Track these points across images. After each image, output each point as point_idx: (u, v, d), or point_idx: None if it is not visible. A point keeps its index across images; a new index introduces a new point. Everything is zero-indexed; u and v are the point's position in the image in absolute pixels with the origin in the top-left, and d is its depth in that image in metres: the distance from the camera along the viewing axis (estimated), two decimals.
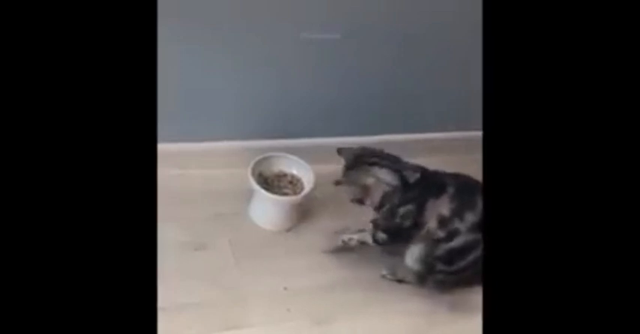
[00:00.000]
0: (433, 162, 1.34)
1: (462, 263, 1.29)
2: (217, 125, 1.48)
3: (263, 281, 1.32)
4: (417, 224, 1.28)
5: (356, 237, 1.39)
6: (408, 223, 1.29)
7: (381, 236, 1.34)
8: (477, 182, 1.30)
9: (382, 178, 1.28)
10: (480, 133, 0.79)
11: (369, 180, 1.28)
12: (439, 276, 1.32)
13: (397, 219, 1.29)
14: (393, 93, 1.53)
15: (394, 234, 1.32)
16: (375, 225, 1.35)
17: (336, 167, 1.34)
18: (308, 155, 1.46)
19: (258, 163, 1.42)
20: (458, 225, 1.26)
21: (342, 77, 1.49)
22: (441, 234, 1.26)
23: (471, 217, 1.25)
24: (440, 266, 1.30)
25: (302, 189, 1.44)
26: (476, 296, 1.34)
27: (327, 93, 1.50)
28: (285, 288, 1.32)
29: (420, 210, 1.27)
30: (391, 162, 1.31)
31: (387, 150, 1.33)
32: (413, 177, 1.29)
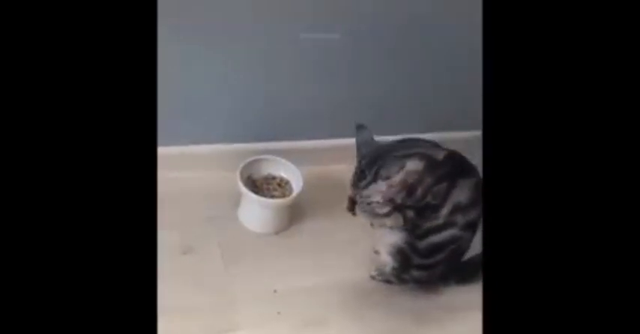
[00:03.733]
0: None
1: (437, 258, 1.29)
2: (207, 127, 1.47)
3: (253, 284, 1.31)
4: (439, 204, 1.23)
5: (388, 223, 1.26)
6: (435, 202, 1.23)
7: (410, 213, 1.24)
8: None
9: (410, 169, 1.18)
10: (479, 133, 0.79)
11: (399, 176, 1.17)
12: (414, 273, 1.31)
13: (428, 199, 1.23)
14: (389, 95, 1.53)
15: (420, 211, 1.24)
16: (401, 207, 1.24)
17: (324, 169, 1.34)
18: (297, 157, 1.46)
19: (246, 166, 1.41)
20: (459, 218, 1.24)
21: (335, 78, 1.49)
22: (442, 220, 1.24)
23: (473, 214, 1.24)
24: (416, 260, 1.29)
25: (291, 191, 1.44)
26: (464, 296, 1.36)
27: (318, 95, 1.50)
28: (275, 291, 1.31)
29: (450, 188, 1.23)
30: (407, 146, 1.24)
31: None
32: (440, 153, 1.23)
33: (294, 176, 1.45)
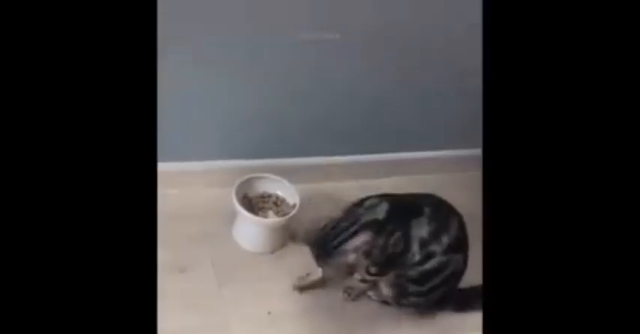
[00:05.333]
0: (427, 182, 1.32)
1: (432, 284, 1.28)
2: (202, 144, 1.46)
3: (246, 305, 1.29)
4: (405, 247, 1.24)
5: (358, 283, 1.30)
6: (398, 249, 1.24)
7: (372, 269, 1.25)
8: (446, 202, 1.30)
9: (358, 245, 1.20)
10: (477, 151, 0.78)
11: (351, 258, 1.20)
12: (412, 299, 1.30)
13: (389, 251, 1.23)
14: (386, 114, 1.53)
15: (385, 263, 1.25)
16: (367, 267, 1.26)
17: (321, 186, 1.32)
18: (293, 175, 1.44)
19: (242, 184, 1.40)
20: (435, 247, 1.25)
21: (330, 97, 1.48)
22: (418, 256, 1.25)
23: (446, 239, 1.25)
24: (412, 288, 1.28)
25: (287, 209, 1.41)
26: (462, 317, 1.35)
27: (314, 113, 1.49)
28: (270, 312, 1.29)
29: (407, 234, 1.24)
30: (349, 221, 1.22)
31: (378, 169, 1.31)
32: (380, 213, 1.24)
33: (290, 194, 1.43)
